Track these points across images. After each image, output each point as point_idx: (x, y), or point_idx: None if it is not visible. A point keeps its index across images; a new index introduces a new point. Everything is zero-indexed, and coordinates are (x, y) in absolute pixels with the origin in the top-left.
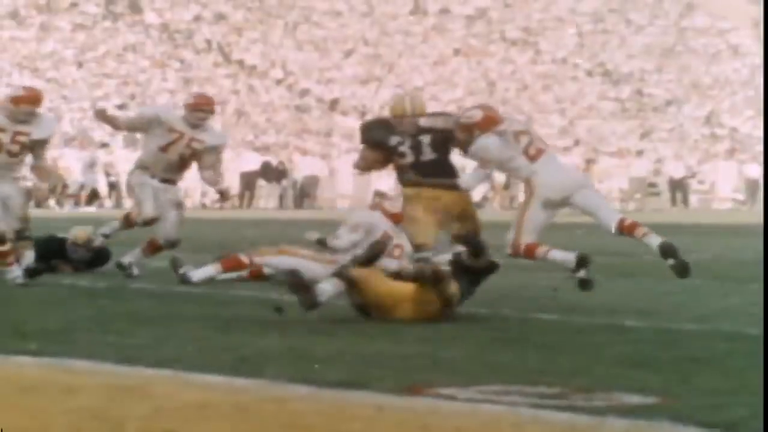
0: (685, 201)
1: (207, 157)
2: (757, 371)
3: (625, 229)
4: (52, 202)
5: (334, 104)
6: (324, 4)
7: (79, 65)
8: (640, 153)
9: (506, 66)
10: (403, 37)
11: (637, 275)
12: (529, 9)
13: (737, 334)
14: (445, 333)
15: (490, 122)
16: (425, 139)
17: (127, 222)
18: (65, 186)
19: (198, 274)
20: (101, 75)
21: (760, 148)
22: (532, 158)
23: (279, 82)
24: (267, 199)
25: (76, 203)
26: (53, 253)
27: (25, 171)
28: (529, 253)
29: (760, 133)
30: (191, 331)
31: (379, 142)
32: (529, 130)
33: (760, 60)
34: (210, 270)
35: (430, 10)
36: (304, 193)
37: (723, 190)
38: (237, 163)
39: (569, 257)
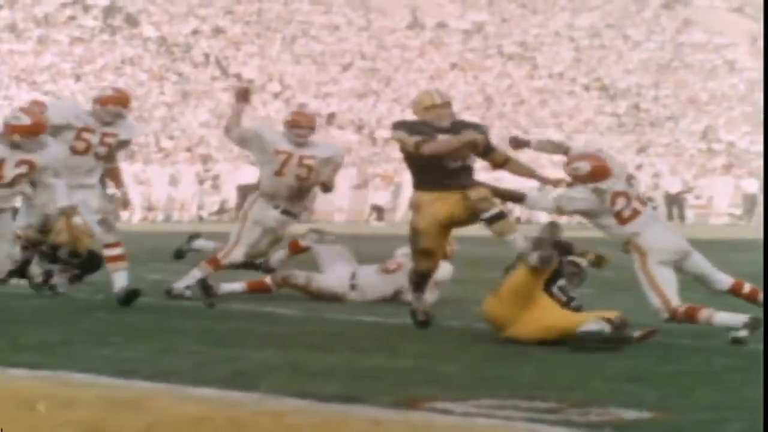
0: (682, 216)
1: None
2: (756, 386)
3: (744, 296)
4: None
5: (331, 118)
6: (322, 18)
7: (77, 78)
8: (637, 168)
9: (503, 80)
10: (400, 51)
11: (634, 289)
12: (526, 24)
13: (736, 349)
14: (442, 347)
15: (600, 175)
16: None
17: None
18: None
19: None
20: (99, 88)
21: (757, 163)
22: (625, 221)
23: (276, 95)
24: None
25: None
26: None
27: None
28: (691, 317)
29: (757, 147)
30: (188, 345)
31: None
32: (628, 191)
33: (757, 75)
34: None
35: (427, 24)
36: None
37: (720, 205)
38: (234, 176)
39: (737, 320)
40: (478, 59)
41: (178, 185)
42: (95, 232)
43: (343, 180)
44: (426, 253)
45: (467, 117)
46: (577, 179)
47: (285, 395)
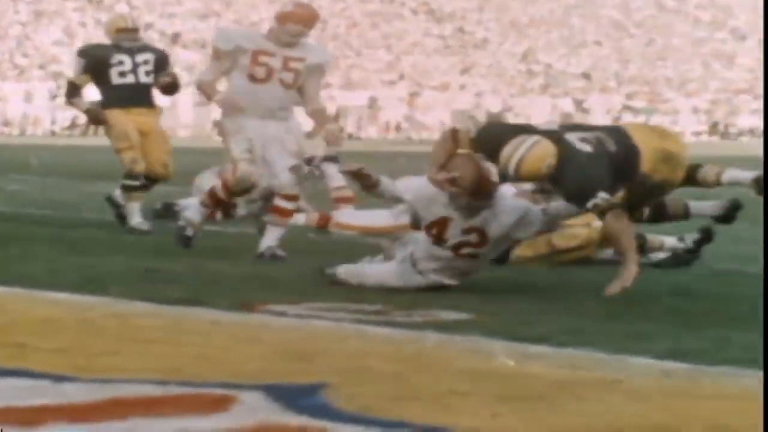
0: None
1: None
2: (569, 293)
3: None
4: None
5: (175, 38)
6: None
7: None
8: (461, 87)
9: (337, 4)
10: None
11: None
12: None
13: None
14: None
15: None
16: None
17: None
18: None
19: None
20: None
21: (573, 83)
22: None
23: None
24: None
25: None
26: None
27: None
28: None
29: (573, 69)
30: (42, 252)
31: None
32: None
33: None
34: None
35: None
36: None
37: (537, 122)
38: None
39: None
40: None
41: (32, 101)
42: None
43: (187, 97)
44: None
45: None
46: None
47: (132, 299)
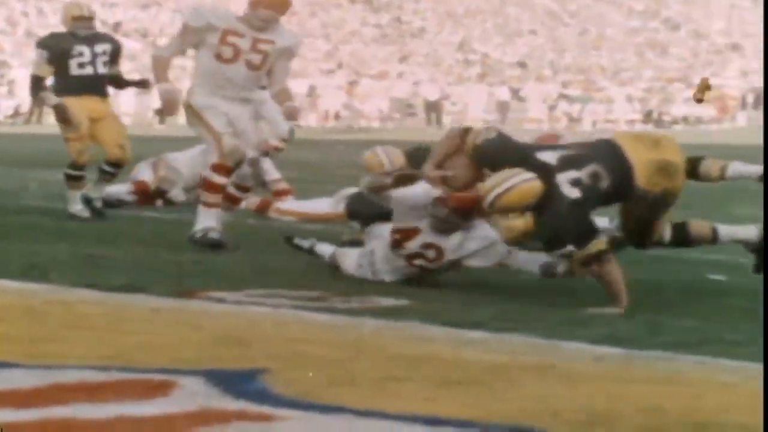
0: (439, 121)
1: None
2: (506, 279)
3: None
4: None
5: (116, 27)
6: None
7: None
8: (399, 76)
9: None
10: None
11: None
12: None
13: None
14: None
15: None
16: None
17: None
18: None
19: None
20: None
21: (509, 72)
22: None
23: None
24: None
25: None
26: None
27: None
28: None
29: (509, 58)
30: None
31: None
32: None
33: None
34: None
35: None
36: None
37: (474, 111)
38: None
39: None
40: None
41: None
42: None
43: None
44: None
45: None
46: None
47: (75, 286)
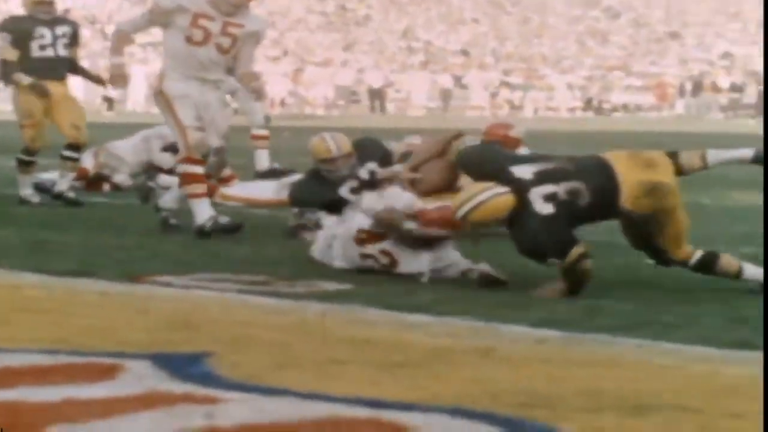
0: (383, 108)
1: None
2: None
3: None
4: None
5: (65, 13)
6: None
7: None
8: (344, 63)
9: None
10: None
11: None
12: None
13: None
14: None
15: None
16: None
17: None
18: None
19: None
20: None
21: (452, 60)
22: None
23: None
24: (4, 103)
25: None
26: None
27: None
28: None
29: (452, 46)
30: None
31: None
32: None
33: None
34: None
35: None
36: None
37: (417, 98)
38: None
39: None
40: None
41: None
42: None
43: None
44: None
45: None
46: None
47: (22, 270)
